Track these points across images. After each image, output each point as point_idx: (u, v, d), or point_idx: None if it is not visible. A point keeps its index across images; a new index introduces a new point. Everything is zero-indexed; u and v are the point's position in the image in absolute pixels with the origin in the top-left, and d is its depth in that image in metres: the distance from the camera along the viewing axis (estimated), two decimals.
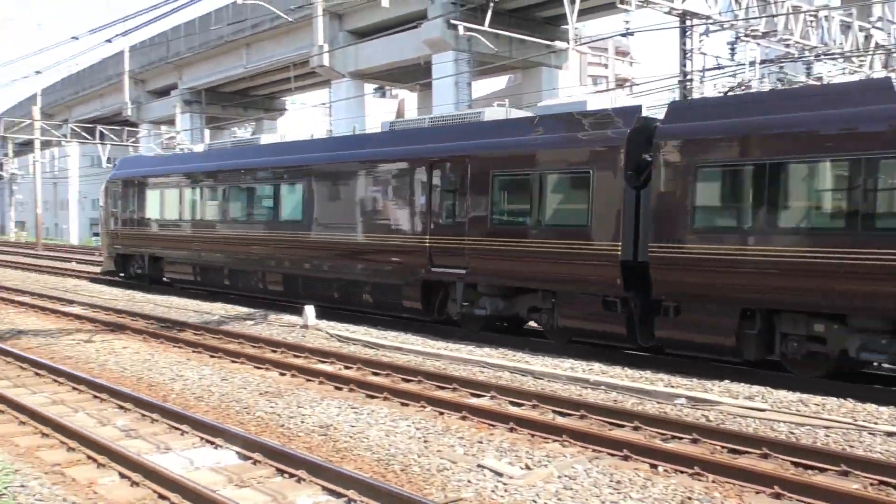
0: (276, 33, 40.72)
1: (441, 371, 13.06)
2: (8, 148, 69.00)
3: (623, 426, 9.85)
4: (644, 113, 13.98)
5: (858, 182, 10.96)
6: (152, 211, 25.91)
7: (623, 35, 24.05)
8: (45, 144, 63.05)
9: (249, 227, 21.84)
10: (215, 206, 23.31)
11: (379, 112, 48.88)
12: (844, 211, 11.23)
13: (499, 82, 57.91)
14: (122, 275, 28.02)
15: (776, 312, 12.00)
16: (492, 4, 22.01)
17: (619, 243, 13.41)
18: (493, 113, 17.07)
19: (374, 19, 35.49)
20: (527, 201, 15.04)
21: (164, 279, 26.09)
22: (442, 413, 10.59)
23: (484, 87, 52.30)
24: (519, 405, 10.99)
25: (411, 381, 12.55)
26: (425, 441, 9.20)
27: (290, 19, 30.99)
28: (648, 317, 13.45)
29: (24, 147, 70.41)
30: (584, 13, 31.02)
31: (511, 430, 9.70)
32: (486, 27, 22.08)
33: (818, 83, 13.49)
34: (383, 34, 33.73)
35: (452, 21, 24.10)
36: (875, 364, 12.26)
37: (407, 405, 11.05)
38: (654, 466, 8.35)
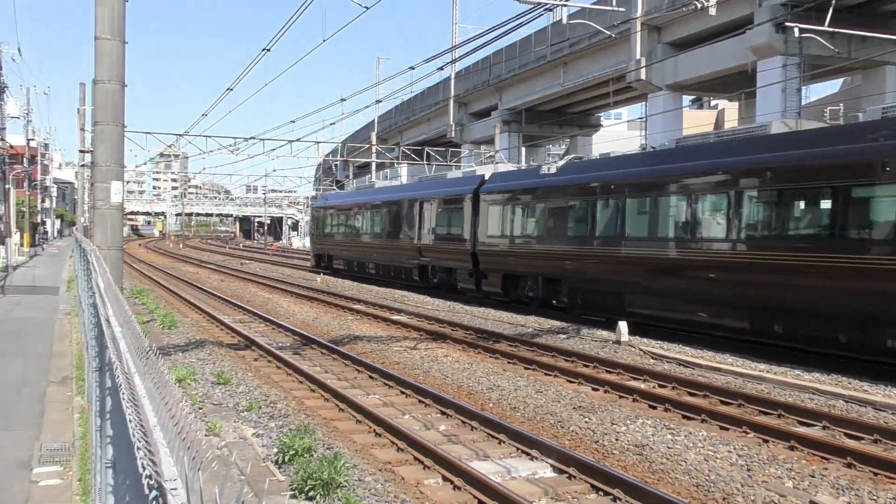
0: (593, 50, 40.95)
1: (764, 395, 12.21)
2: (349, 170, 76.37)
3: None
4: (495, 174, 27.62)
5: (516, 215, 24.51)
6: (328, 228, 42.80)
7: None
8: (380, 166, 68.97)
9: (364, 237, 36.66)
10: (346, 224, 39.75)
11: (696, 124, 47.27)
12: (512, 228, 24.48)
13: (832, 86, 53.46)
14: (317, 267, 43.91)
15: (514, 275, 24.49)
16: (833, 2, 20.29)
17: (470, 242, 26.37)
18: (454, 174, 32.02)
19: (693, 29, 34.41)
20: (442, 223, 28.78)
21: (334, 267, 41.43)
22: (766, 441, 9.87)
23: (814, 91, 48.56)
24: (857, 438, 9.93)
25: (731, 403, 11.87)
26: (749, 469, 8.60)
27: (613, 35, 30.92)
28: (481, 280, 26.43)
29: (362, 169, 77.59)
30: None
31: (848, 465, 8.78)
32: (825, 27, 20.43)
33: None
34: (705, 44, 32.56)
35: (787, 24, 22.57)
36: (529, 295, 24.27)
37: (727, 429, 10.45)
38: None
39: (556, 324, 20.82)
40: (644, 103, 42.96)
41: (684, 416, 11.21)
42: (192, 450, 1.10)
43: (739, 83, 34.98)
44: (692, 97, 52.53)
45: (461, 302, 26.50)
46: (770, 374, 13.58)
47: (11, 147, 44.28)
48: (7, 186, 44.62)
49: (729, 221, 16.27)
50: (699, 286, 17.25)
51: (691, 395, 12.62)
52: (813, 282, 14.44)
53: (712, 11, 18.94)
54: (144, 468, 1.20)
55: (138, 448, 1.30)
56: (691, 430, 10.26)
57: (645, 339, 17.63)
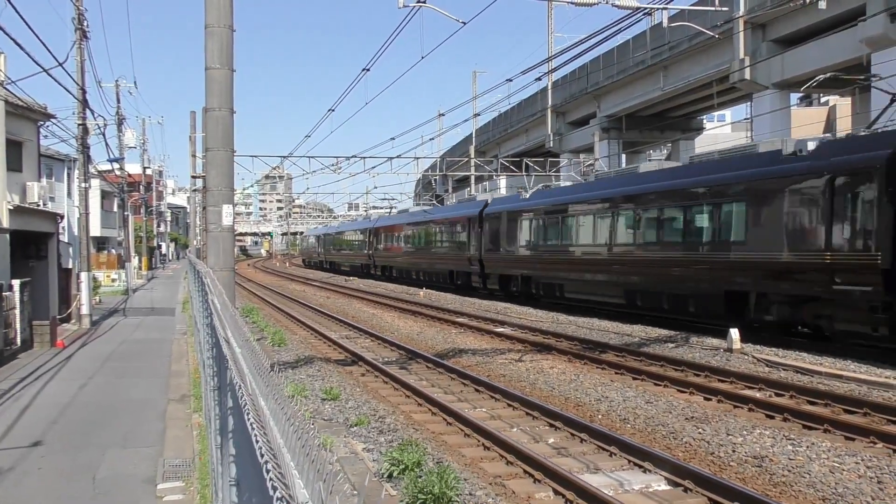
0: (694, 52, 40.05)
1: (892, 403, 11.60)
2: (448, 184, 76.97)
3: None
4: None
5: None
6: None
7: None
8: (478, 179, 69.14)
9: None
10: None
11: (805, 122, 45.60)
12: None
13: None
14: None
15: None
16: None
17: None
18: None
19: (801, 25, 33.23)
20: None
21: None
22: None
23: None
24: None
25: (855, 412, 11.34)
26: (879, 482, 8.18)
27: (715, 36, 30.12)
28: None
29: (460, 183, 77.98)
30: None
31: None
32: None
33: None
34: (814, 39, 31.40)
35: None
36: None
37: (852, 440, 9.99)
38: None
39: (664, 332, 20.35)
40: (749, 103, 41.76)
41: (805, 426, 10.77)
42: (322, 472, 1.12)
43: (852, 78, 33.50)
44: (800, 95, 50.70)
45: (564, 312, 26.25)
46: None
47: (129, 176, 46.45)
48: (126, 213, 46.82)
49: None
50: None
51: (811, 403, 12.12)
52: None
53: (822, 5, 18.22)
54: (275, 489, 1.22)
55: (267, 469, 1.33)
56: (814, 441, 9.85)
57: (758, 347, 17.05)
